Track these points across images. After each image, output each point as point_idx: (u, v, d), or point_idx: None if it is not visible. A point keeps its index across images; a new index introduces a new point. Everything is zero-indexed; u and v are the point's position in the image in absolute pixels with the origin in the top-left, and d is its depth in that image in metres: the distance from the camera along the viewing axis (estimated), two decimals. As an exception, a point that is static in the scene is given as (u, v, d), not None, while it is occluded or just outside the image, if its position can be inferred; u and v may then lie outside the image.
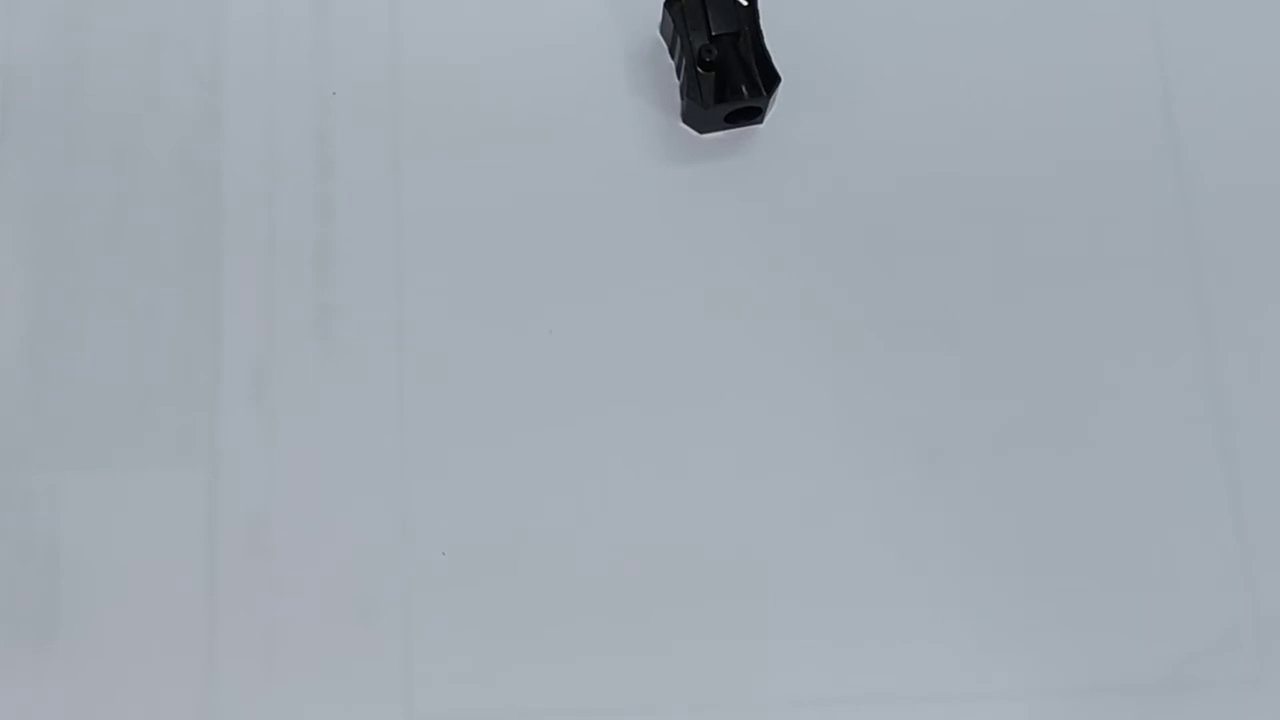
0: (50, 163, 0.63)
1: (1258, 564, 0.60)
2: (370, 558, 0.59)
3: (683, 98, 0.63)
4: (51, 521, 0.59)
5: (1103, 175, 0.64)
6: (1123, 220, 0.64)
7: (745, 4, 0.62)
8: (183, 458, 0.60)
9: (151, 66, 0.64)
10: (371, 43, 0.65)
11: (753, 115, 0.63)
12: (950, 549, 0.60)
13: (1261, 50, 0.66)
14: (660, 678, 0.59)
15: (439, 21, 0.65)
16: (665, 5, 0.63)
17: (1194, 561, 0.61)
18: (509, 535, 0.60)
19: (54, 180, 0.63)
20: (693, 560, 0.60)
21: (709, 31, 0.61)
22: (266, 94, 0.64)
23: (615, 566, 0.60)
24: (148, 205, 0.63)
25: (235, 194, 0.63)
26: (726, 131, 0.64)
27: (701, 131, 0.64)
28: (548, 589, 0.59)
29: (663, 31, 0.64)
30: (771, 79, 0.62)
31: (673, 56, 0.64)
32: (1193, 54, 0.66)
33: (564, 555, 0.60)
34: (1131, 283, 0.63)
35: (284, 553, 0.59)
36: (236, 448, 0.60)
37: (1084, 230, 0.64)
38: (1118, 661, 0.60)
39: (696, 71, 0.62)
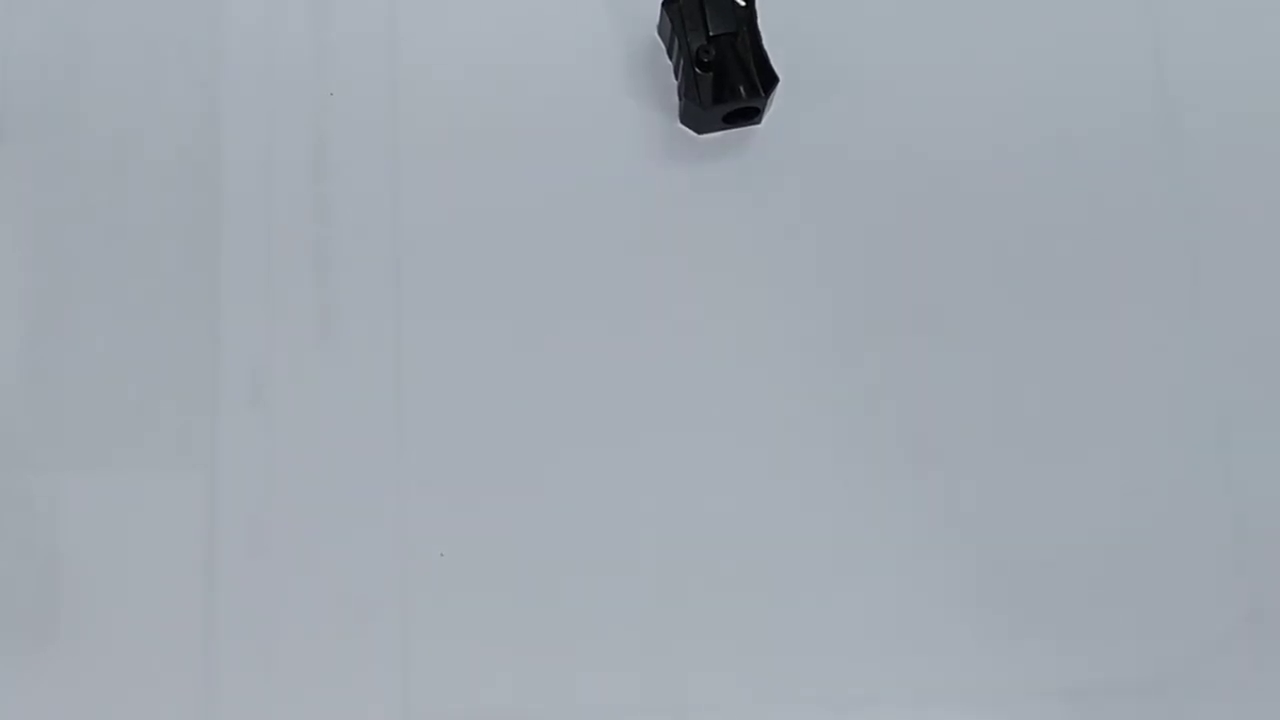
0: (50, 164, 0.63)
1: (1256, 564, 0.61)
2: (369, 558, 0.59)
3: (681, 98, 0.63)
4: (51, 522, 0.59)
5: (1103, 173, 0.64)
6: (1123, 216, 0.64)
7: (743, 4, 0.62)
8: (182, 459, 0.60)
9: (150, 68, 0.64)
10: (370, 44, 0.64)
11: (751, 116, 0.63)
12: (948, 549, 0.60)
13: (1261, 45, 0.66)
14: (657, 678, 0.59)
15: (437, 23, 0.65)
16: (663, 6, 0.63)
17: (1193, 561, 0.61)
18: (507, 536, 0.60)
19: (53, 182, 0.63)
20: (692, 561, 0.60)
21: (707, 32, 0.61)
22: (265, 96, 0.64)
23: (613, 568, 0.60)
24: (147, 207, 0.63)
25: (234, 195, 0.63)
26: (725, 132, 0.64)
27: (700, 132, 0.64)
28: (546, 589, 0.59)
29: (661, 32, 0.64)
30: (769, 79, 0.62)
31: (671, 57, 0.64)
32: (1192, 47, 0.66)
33: (562, 556, 0.60)
34: (1131, 281, 0.63)
35: (283, 553, 0.59)
36: (236, 449, 0.60)
37: (1084, 228, 0.64)
38: (1116, 662, 0.60)
39: (695, 72, 0.62)
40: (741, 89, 0.62)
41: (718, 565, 0.60)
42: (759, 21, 0.62)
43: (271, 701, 0.58)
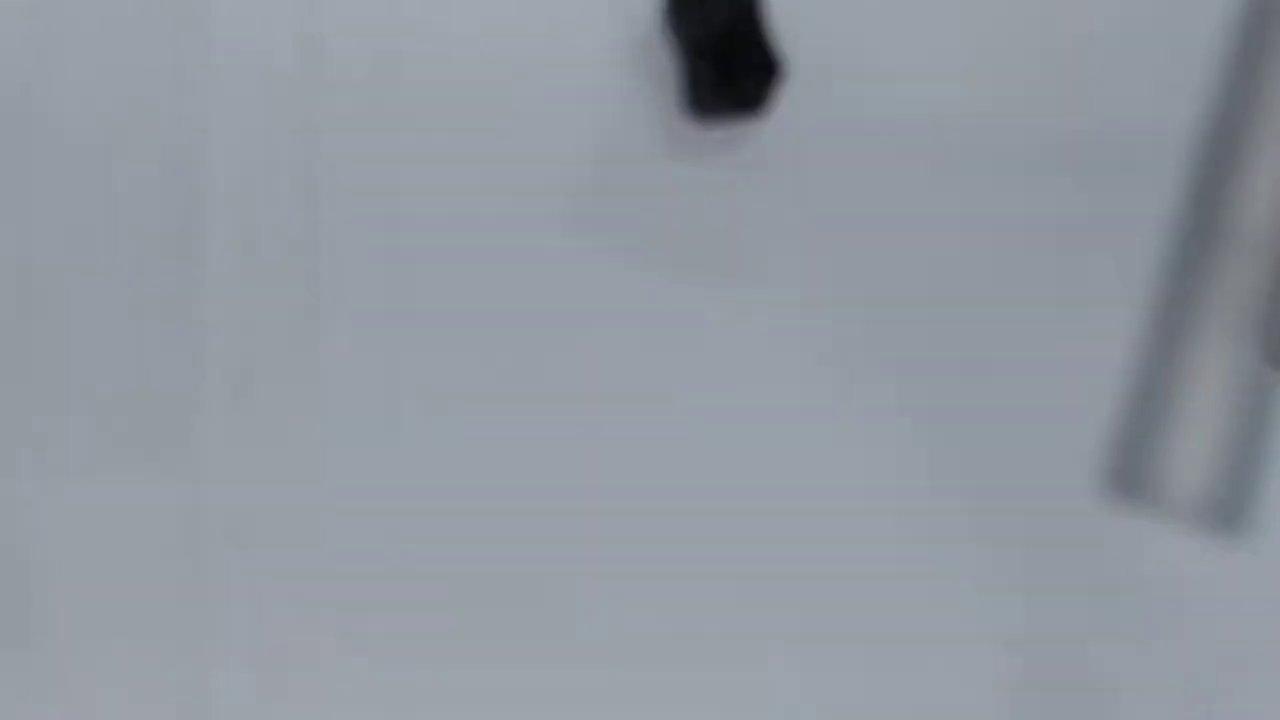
0: (30, 163, 0.62)
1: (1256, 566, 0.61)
2: (360, 560, 0.59)
3: (683, 89, 0.63)
4: (36, 526, 0.59)
5: (1107, 168, 0.64)
6: (1123, 217, 0.64)
7: (745, -5, 0.61)
8: (168, 461, 0.60)
9: (137, 65, 0.63)
10: (364, 41, 0.64)
11: (754, 107, 0.62)
12: (948, 546, 0.61)
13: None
14: (656, 679, 0.59)
15: (434, 16, 0.64)
16: (665, -5, 0.63)
17: (1191, 561, 0.61)
18: (504, 536, 0.60)
19: (34, 180, 0.62)
20: (692, 563, 0.60)
21: (709, 24, 0.61)
22: (253, 91, 0.63)
23: (613, 569, 0.60)
24: (132, 208, 0.62)
25: (221, 195, 0.62)
26: (727, 125, 0.64)
27: (702, 125, 0.64)
28: (545, 590, 0.60)
29: (663, 24, 0.64)
30: (773, 70, 0.62)
31: (673, 49, 0.64)
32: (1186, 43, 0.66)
33: (563, 556, 0.60)
34: (1127, 284, 0.63)
35: (270, 556, 0.59)
36: (222, 451, 0.60)
37: (1086, 224, 0.64)
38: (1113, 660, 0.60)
39: (697, 63, 0.62)
40: (743, 81, 0.61)
41: (718, 567, 0.60)
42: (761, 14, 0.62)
43: (260, 705, 0.58)
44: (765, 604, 0.60)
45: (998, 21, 0.65)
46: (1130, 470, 0.62)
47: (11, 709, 0.57)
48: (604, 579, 0.60)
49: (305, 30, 0.64)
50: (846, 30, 0.65)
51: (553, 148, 0.63)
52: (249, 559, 0.59)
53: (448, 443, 0.61)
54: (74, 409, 0.60)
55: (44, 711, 0.58)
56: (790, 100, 0.64)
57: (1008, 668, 0.61)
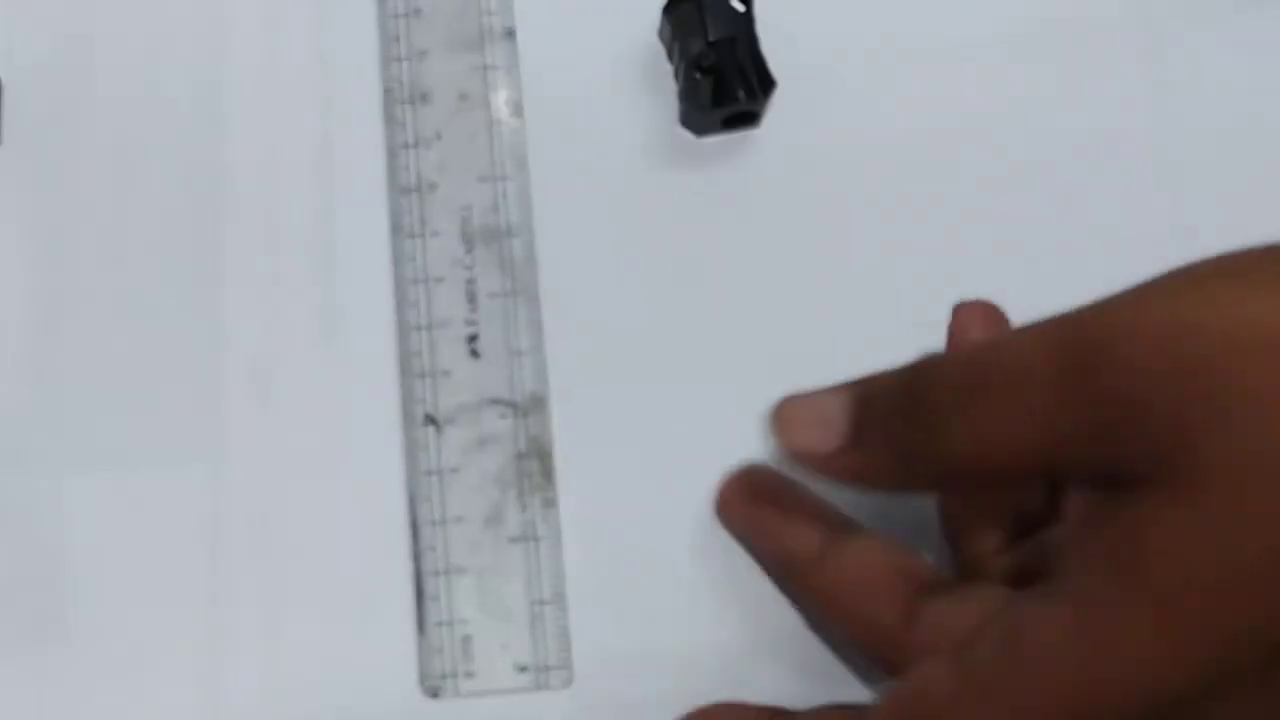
0: (53, 166, 0.63)
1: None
2: (374, 557, 0.59)
3: (681, 102, 0.64)
4: (55, 523, 0.59)
5: (1099, 179, 0.64)
6: (1117, 227, 0.64)
7: (741, 10, 0.62)
8: (185, 458, 0.60)
9: (153, 69, 0.64)
10: (370, 43, 0.65)
11: (750, 120, 0.64)
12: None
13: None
14: (659, 669, 0.59)
15: (440, 27, 0.65)
16: (663, 11, 0.63)
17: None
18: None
19: (57, 183, 0.63)
20: (699, 555, 0.60)
21: (706, 37, 0.62)
22: (268, 96, 0.64)
23: (620, 562, 0.60)
24: (150, 207, 0.63)
25: (237, 195, 0.63)
26: (724, 135, 0.64)
27: (699, 135, 0.64)
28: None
29: (661, 37, 0.65)
30: (767, 84, 0.63)
31: (671, 61, 0.64)
32: (1190, 46, 0.66)
33: (569, 552, 0.60)
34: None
35: (287, 553, 0.59)
36: (239, 447, 0.60)
37: (1078, 236, 0.64)
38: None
39: (694, 76, 0.62)
40: (740, 93, 0.62)
41: (728, 565, 0.60)
42: (756, 27, 0.62)
43: (275, 701, 0.58)
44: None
45: (991, 35, 0.66)
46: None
47: (36, 698, 0.58)
48: (619, 570, 0.59)
49: (319, 39, 0.65)
50: (837, 45, 0.65)
51: (554, 158, 0.64)
52: (267, 554, 0.59)
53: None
54: (97, 407, 0.61)
55: (68, 700, 0.58)
56: (784, 113, 0.64)
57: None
